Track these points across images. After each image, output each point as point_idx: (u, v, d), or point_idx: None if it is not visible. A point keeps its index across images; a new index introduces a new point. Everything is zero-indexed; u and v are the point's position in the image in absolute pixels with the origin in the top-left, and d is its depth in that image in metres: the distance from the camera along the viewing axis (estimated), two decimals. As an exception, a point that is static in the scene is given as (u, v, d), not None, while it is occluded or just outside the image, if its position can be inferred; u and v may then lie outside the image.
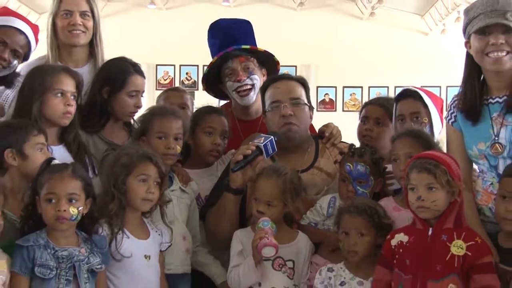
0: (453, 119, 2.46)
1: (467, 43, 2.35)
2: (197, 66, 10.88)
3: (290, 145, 2.66)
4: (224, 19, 3.31)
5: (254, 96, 3.07)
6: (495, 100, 2.33)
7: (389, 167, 2.49)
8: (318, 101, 11.05)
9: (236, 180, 2.45)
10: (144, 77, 2.81)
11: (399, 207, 2.35)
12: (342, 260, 2.29)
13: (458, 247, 2.04)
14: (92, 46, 2.96)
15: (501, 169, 2.30)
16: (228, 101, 3.29)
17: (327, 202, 2.50)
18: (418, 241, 2.10)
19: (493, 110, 2.33)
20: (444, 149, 2.45)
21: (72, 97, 2.47)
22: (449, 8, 10.43)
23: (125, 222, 2.22)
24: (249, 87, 3.05)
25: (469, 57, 2.38)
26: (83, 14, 2.89)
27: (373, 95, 10.16)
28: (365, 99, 9.14)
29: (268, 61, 3.17)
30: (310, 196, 2.58)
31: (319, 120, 3.03)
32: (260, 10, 10.70)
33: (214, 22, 3.25)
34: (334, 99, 11.40)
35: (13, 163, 2.21)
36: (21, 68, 2.84)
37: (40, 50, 2.93)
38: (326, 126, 2.88)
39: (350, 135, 2.93)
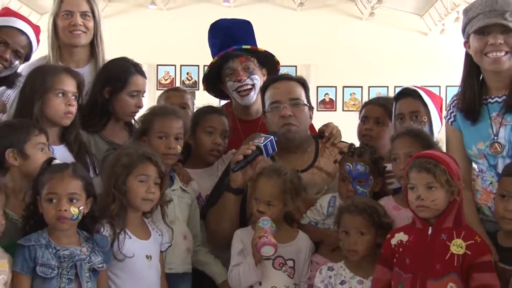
0: (452, 119, 2.46)
1: (466, 43, 2.36)
2: (198, 66, 10.88)
3: (290, 145, 2.67)
4: (225, 19, 3.31)
5: (254, 96, 3.07)
6: (494, 100, 2.34)
7: (389, 166, 2.50)
8: (318, 101, 11.05)
9: (237, 180, 2.45)
10: (145, 77, 2.82)
11: (399, 206, 2.35)
12: (342, 259, 2.29)
13: (457, 246, 2.04)
14: (93, 46, 2.97)
15: (500, 168, 2.30)
16: (229, 101, 3.30)
17: (327, 201, 2.51)
18: (418, 240, 2.11)
19: (492, 110, 2.34)
20: (444, 148, 2.45)
21: (73, 97, 2.48)
22: (449, 8, 10.44)
23: (126, 222, 2.22)
24: (249, 87, 3.06)
25: (468, 57, 2.38)
26: (83, 15, 2.90)
27: (373, 95, 10.16)
28: (365, 99, 9.14)
29: (268, 61, 3.17)
30: (310, 195, 2.59)
31: (319, 120, 3.04)
32: (260, 10, 10.70)
33: (215, 22, 3.26)
34: (334, 99, 11.40)
35: (14, 163, 2.22)
36: (23, 68, 2.84)
37: (42, 50, 2.94)
38: (326, 125, 2.88)
39: (350, 134, 2.94)
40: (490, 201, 2.33)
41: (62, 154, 2.43)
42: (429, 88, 2.82)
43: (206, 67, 3.28)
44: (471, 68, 2.39)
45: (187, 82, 11.24)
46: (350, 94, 11.42)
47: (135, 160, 2.23)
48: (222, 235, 2.50)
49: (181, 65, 11.28)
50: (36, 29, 2.82)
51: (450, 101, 2.50)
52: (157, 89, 10.49)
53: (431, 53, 10.93)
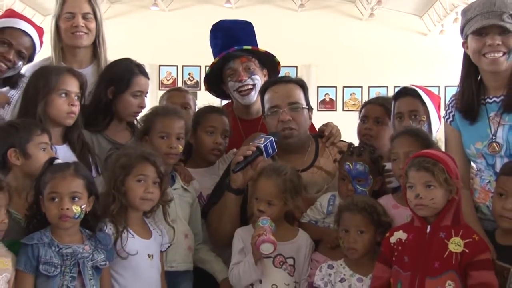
0: (451, 119, 2.48)
1: (465, 44, 2.37)
2: (199, 66, 10.91)
3: (290, 146, 2.68)
4: (226, 20, 3.32)
5: (255, 96, 3.08)
6: (492, 100, 2.35)
7: (388, 165, 2.51)
8: (319, 101, 11.08)
9: (237, 181, 2.47)
10: (148, 78, 2.83)
11: (398, 205, 2.37)
12: (342, 257, 2.31)
13: (456, 244, 2.05)
14: (95, 47, 2.99)
15: (498, 167, 2.31)
16: (230, 100, 3.32)
17: (327, 200, 2.52)
18: (417, 238, 2.12)
19: (490, 110, 2.35)
20: (443, 148, 2.47)
21: (76, 98, 2.50)
22: (447, 9, 10.47)
23: (128, 222, 2.23)
24: (250, 87, 3.07)
25: (466, 57, 2.39)
26: (85, 16, 2.91)
27: (372, 95, 10.20)
28: (365, 99, 9.18)
29: (269, 62, 3.18)
30: (310, 194, 2.60)
31: (319, 119, 3.05)
32: (261, 11, 10.74)
33: (216, 23, 3.27)
34: (334, 99, 11.43)
35: (17, 163, 2.23)
36: (26, 69, 2.85)
37: (45, 51, 2.95)
38: (326, 125, 2.90)
39: (350, 134, 2.95)
40: (488, 199, 2.34)
41: (64, 154, 2.44)
42: (428, 88, 2.83)
43: (207, 68, 3.29)
44: (469, 69, 2.40)
45: (189, 82, 11.27)
46: (350, 94, 11.45)
47: (133, 160, 2.24)
48: (223, 234, 2.51)
49: (183, 66, 11.32)
50: (40, 31, 2.84)
51: (449, 101, 2.51)
52: (159, 89, 10.52)
53: (430, 53, 10.96)
